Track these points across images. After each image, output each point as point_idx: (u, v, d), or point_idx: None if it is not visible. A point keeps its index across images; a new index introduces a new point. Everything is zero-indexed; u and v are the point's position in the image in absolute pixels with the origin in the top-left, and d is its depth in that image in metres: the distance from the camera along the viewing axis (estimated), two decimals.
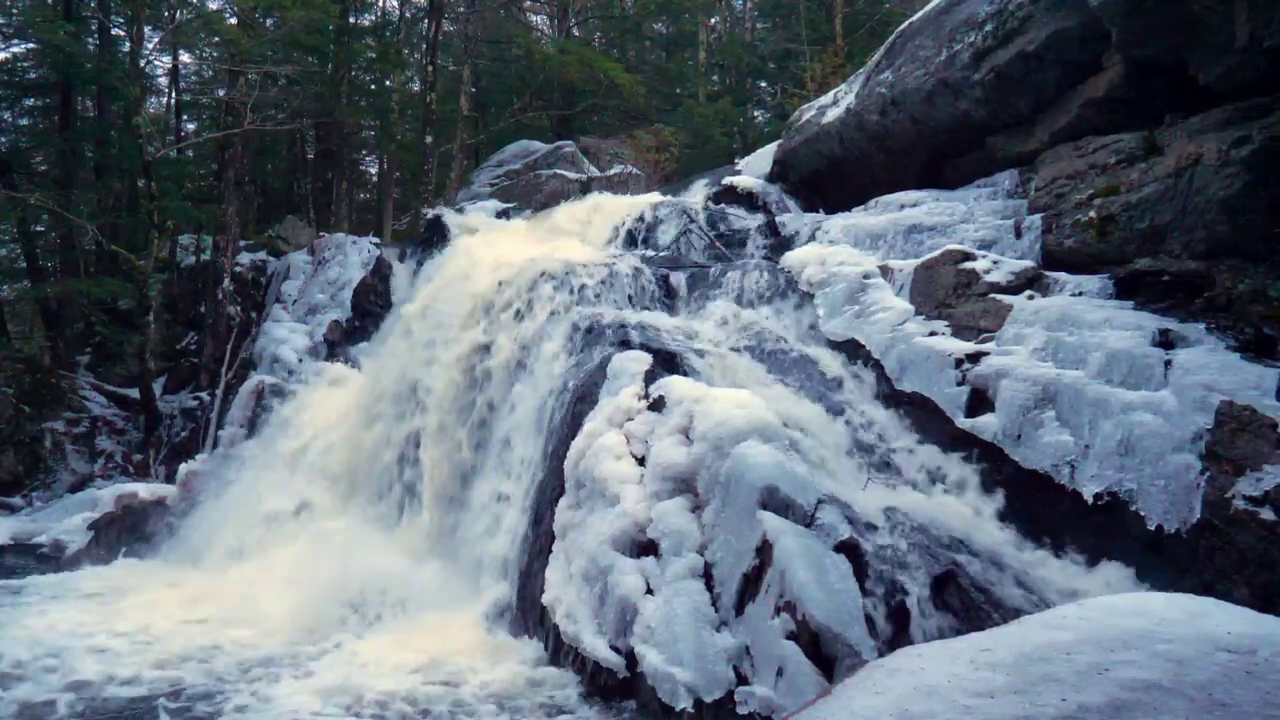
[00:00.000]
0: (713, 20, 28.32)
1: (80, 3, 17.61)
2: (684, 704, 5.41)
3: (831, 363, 8.58)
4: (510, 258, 11.56)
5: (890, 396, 7.90)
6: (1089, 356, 6.49)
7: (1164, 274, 6.95)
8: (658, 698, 5.60)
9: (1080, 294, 7.36)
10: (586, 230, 13.84)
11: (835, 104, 12.62)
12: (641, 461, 7.12)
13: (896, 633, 5.35)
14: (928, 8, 11.29)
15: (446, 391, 10.42)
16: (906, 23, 11.75)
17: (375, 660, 7.21)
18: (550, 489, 7.97)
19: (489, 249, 12.80)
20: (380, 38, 23.40)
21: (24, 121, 20.19)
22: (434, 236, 15.29)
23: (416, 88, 24.55)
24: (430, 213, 16.18)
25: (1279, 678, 2.75)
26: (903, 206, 10.34)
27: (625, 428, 7.44)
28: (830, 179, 12.75)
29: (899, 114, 11.04)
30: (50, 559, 10.74)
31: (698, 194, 14.14)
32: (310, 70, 19.52)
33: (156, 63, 20.51)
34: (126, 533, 11.43)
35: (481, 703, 6.35)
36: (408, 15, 23.62)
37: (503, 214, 15.78)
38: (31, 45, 17.49)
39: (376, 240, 16.62)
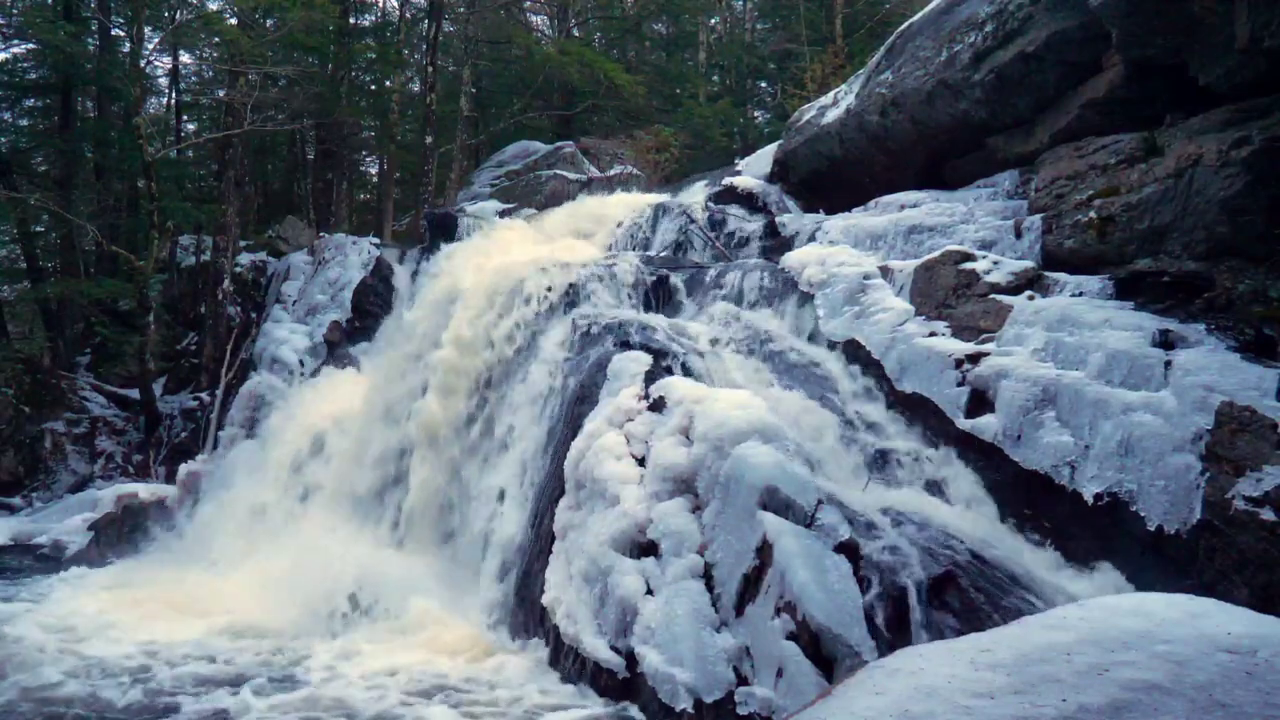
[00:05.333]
0: (713, 20, 28.33)
1: (80, 3, 17.62)
2: (684, 705, 5.42)
3: (831, 363, 8.58)
4: (510, 259, 11.56)
5: (890, 397, 7.89)
6: (1089, 357, 6.49)
7: (1164, 275, 6.95)
8: (658, 698, 5.60)
9: (1080, 294, 7.35)
10: (586, 231, 13.85)
11: (835, 104, 12.62)
12: (641, 462, 7.12)
13: (897, 633, 5.35)
14: (928, 8, 11.29)
15: (446, 393, 10.42)
16: (906, 23, 11.75)
17: (372, 661, 7.21)
18: (550, 489, 7.97)
19: (489, 250, 12.80)
20: (380, 38, 23.41)
21: (24, 121, 20.23)
22: (434, 237, 15.30)
23: (416, 88, 24.54)
24: (431, 213, 16.19)
25: (1279, 678, 2.75)
26: (903, 207, 10.34)
27: (625, 428, 7.44)
28: (830, 179, 12.74)
29: (899, 114, 11.03)
30: (50, 559, 10.75)
31: (698, 194, 14.13)
32: (310, 71, 19.54)
33: (156, 63, 20.54)
34: (126, 533, 11.43)
35: (480, 704, 6.35)
36: (408, 16, 23.60)
37: (503, 214, 15.78)
38: (31, 45, 17.51)
39: (376, 241, 16.63)
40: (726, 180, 14.06)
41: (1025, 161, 9.58)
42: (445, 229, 15.18)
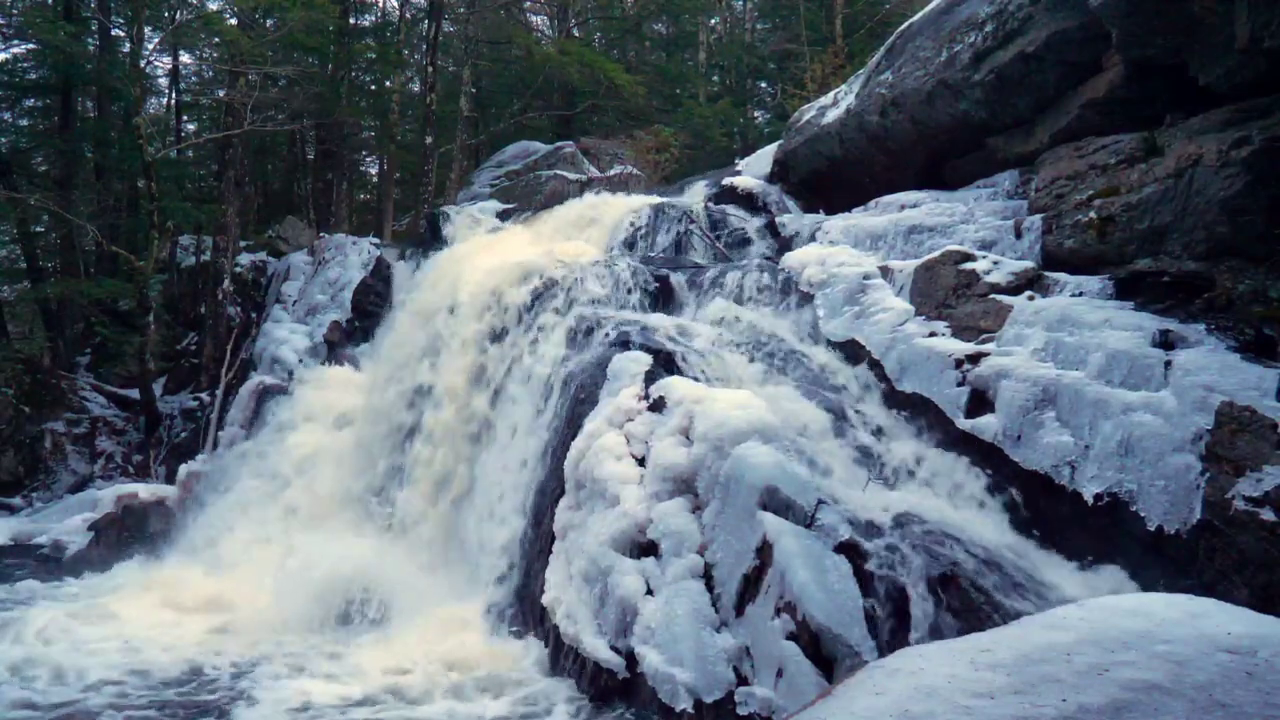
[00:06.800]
0: (713, 21, 28.32)
1: (80, 3, 17.62)
2: (684, 705, 5.42)
3: (831, 363, 8.58)
4: (510, 259, 11.55)
5: (890, 397, 7.89)
6: (1089, 357, 6.49)
7: (1164, 275, 6.95)
8: (658, 698, 5.60)
9: (1080, 295, 7.35)
10: (586, 231, 13.83)
11: (835, 104, 12.62)
12: (641, 462, 7.12)
13: (897, 633, 5.35)
14: (928, 8, 11.29)
15: (446, 393, 10.42)
16: (906, 23, 11.75)
17: (373, 661, 7.21)
18: (550, 489, 7.98)
19: (489, 250, 12.80)
20: (380, 38, 23.41)
21: (24, 122, 20.21)
22: (434, 237, 15.30)
23: (416, 88, 24.55)
24: (431, 213, 16.19)
25: (1279, 678, 2.75)
26: (903, 207, 10.34)
27: (625, 428, 7.44)
28: (830, 179, 12.74)
29: (899, 114, 11.03)
30: (50, 560, 10.74)
31: (698, 195, 14.13)
32: (310, 71, 19.53)
33: (157, 63, 20.52)
34: (126, 533, 11.43)
35: (480, 704, 6.35)
36: (408, 16, 23.60)
37: (503, 215, 15.77)
38: (31, 45, 17.48)
39: (376, 241, 16.62)
40: (726, 180, 14.05)
41: (1025, 161, 9.58)
42: (442, 229, 15.20)
